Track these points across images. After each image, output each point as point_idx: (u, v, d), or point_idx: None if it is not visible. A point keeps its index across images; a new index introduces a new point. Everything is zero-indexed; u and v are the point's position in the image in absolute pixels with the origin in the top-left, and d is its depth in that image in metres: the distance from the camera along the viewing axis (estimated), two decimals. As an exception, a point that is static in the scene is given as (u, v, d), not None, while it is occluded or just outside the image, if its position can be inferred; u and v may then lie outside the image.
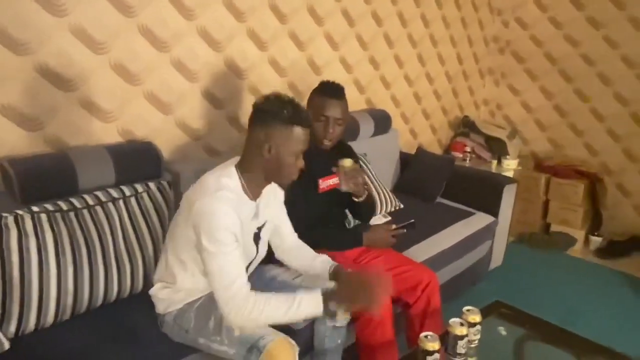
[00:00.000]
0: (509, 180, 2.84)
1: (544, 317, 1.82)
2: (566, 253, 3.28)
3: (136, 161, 1.83)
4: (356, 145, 2.52)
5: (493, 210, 2.75)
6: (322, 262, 1.63)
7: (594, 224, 3.44)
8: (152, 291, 1.58)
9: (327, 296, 1.38)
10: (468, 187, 2.87)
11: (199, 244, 1.34)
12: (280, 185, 1.59)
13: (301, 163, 1.46)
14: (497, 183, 2.80)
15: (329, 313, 1.40)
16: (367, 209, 2.06)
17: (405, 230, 2.03)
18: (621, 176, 3.45)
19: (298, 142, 1.41)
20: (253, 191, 1.48)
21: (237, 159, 1.49)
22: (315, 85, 1.93)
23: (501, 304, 1.88)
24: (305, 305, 1.35)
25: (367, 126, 2.78)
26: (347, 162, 1.87)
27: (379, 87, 3.12)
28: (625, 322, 2.51)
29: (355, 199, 1.94)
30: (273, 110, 1.39)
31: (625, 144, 3.40)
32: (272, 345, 1.32)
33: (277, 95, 1.43)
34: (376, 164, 2.80)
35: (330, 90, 1.87)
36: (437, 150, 3.74)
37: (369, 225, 2.15)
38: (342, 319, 1.62)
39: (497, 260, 2.92)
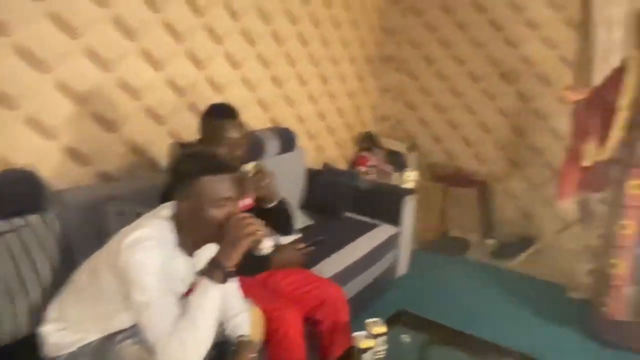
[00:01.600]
0: (409, 192, 2.98)
1: (447, 320, 1.90)
2: (464, 256, 3.50)
3: (13, 192, 1.65)
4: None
5: (396, 221, 2.87)
6: (234, 327, 1.51)
7: (488, 227, 3.71)
8: (41, 332, 1.43)
9: (213, 265, 1.29)
10: (371, 200, 2.96)
11: (128, 296, 1.25)
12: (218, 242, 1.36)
13: (227, 210, 1.32)
14: (397, 195, 2.93)
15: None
16: (284, 214, 1.95)
17: (314, 248, 2.04)
18: (506, 182, 3.77)
19: (212, 192, 1.28)
20: (189, 247, 1.37)
21: (171, 208, 1.36)
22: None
23: (404, 312, 1.95)
24: (206, 294, 1.27)
25: (272, 144, 2.77)
26: (250, 166, 1.81)
27: (283, 106, 3.14)
28: (521, 319, 2.70)
29: (268, 206, 1.84)
30: (178, 170, 1.33)
31: (509, 152, 3.73)
32: None
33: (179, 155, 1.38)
34: (283, 182, 2.79)
35: (223, 112, 1.81)
36: (343, 165, 3.83)
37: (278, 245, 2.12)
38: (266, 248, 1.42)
39: (402, 268, 3.04)
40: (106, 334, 1.39)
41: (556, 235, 3.13)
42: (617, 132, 2.16)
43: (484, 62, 3.69)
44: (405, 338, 1.78)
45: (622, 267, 2.21)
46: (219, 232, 1.31)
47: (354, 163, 3.83)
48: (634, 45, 2.11)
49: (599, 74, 3.15)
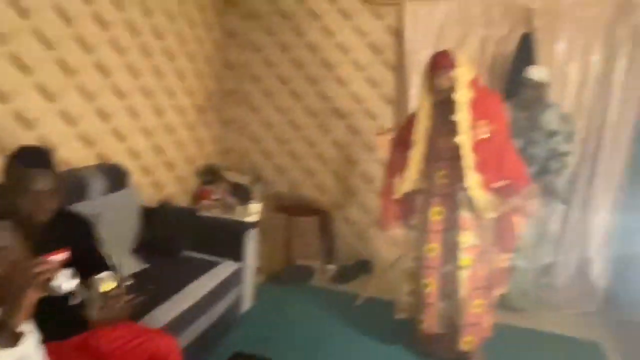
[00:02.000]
0: (250, 225, 2.98)
1: (292, 351, 1.90)
2: (309, 284, 3.60)
3: None
4: (86, 207, 2.29)
5: (238, 256, 2.84)
6: None
7: (329, 253, 3.89)
8: None
9: None
10: (212, 236, 2.89)
11: None
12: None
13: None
14: (240, 229, 2.90)
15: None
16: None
17: (143, 298, 1.89)
18: (345, 210, 4.01)
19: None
20: None
21: None
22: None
23: (240, 355, 1.91)
24: None
25: (98, 184, 2.54)
26: (108, 285, 1.56)
27: (112, 141, 2.91)
28: (359, 341, 2.82)
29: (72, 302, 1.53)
30: None
31: (345, 182, 3.99)
32: None
33: None
34: (113, 224, 2.58)
35: (32, 159, 1.57)
36: (185, 200, 3.68)
37: (97, 296, 1.91)
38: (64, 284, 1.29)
39: (247, 304, 3.00)
40: None
41: (390, 262, 3.40)
42: (414, 166, 2.44)
43: (318, 98, 3.92)
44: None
45: (432, 286, 2.48)
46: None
47: (197, 197, 3.72)
48: (425, 88, 2.41)
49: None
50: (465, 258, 2.37)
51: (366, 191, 3.93)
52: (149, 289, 1.89)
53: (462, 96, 2.24)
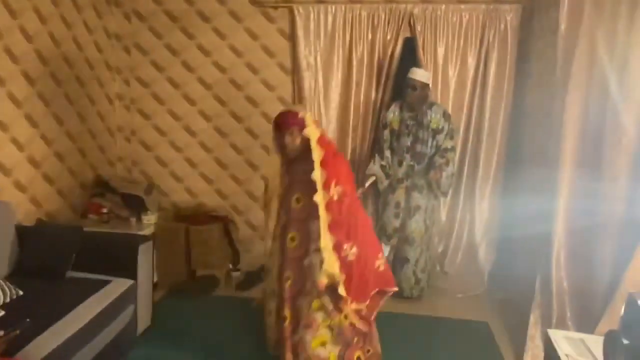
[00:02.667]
0: (144, 239, 2.80)
1: None
2: (214, 294, 3.49)
3: None
4: None
5: (131, 273, 2.65)
6: None
7: (234, 260, 3.79)
8: None
9: None
10: (102, 253, 2.68)
11: None
12: None
13: None
14: (130, 244, 2.72)
15: None
16: None
17: (18, 332, 1.70)
18: (248, 214, 3.95)
19: None
20: None
21: None
22: None
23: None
24: None
25: (-43, 205, 2.23)
26: None
27: (-25, 155, 2.59)
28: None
29: None
30: None
31: (247, 186, 3.93)
32: None
33: None
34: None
35: None
36: (70, 216, 3.38)
37: None
38: None
39: (145, 322, 2.82)
40: None
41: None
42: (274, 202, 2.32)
43: (214, 102, 3.82)
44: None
45: (289, 317, 2.19)
46: None
47: (85, 211, 3.43)
48: (276, 147, 2.27)
49: (311, 114, 3.63)
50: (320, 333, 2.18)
51: (268, 194, 3.90)
52: (23, 323, 1.71)
53: (315, 155, 2.10)
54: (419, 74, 3.15)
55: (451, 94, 3.55)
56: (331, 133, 3.70)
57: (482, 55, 3.47)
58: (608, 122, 2.26)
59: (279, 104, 3.75)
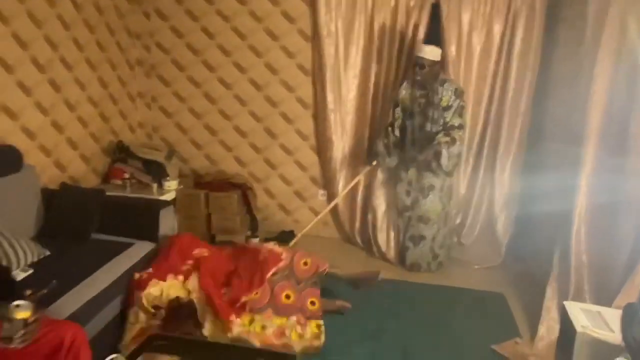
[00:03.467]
0: (165, 204, 2.87)
1: None
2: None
3: None
4: None
5: (153, 236, 2.72)
6: None
7: (252, 227, 3.85)
8: None
9: None
10: (124, 217, 2.74)
11: None
12: None
13: None
14: (152, 208, 2.78)
15: None
16: None
17: (45, 291, 1.78)
18: (266, 182, 3.98)
19: None
20: None
21: None
22: None
23: (156, 336, 1.86)
24: None
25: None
26: (26, 313, 1.53)
27: (2, 120, 2.63)
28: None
29: None
30: None
31: (265, 154, 3.94)
32: None
33: None
34: (7, 210, 2.37)
35: None
36: (93, 180, 3.45)
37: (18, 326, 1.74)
38: None
39: (166, 284, 2.90)
40: None
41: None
42: None
43: (233, 69, 3.80)
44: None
45: None
46: None
47: (108, 176, 3.50)
48: None
49: (331, 82, 3.59)
50: None
51: (286, 163, 3.92)
52: (50, 284, 1.78)
53: None
54: (427, 52, 3.05)
55: (475, 64, 3.46)
56: (350, 102, 3.66)
57: (509, 23, 3.35)
58: (636, 96, 2.18)
59: (299, 72, 3.72)
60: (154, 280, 2.37)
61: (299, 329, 2.43)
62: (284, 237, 3.81)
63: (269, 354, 1.89)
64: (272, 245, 2.71)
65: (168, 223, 2.86)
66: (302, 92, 3.75)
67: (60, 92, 3.05)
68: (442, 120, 3.14)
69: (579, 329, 1.92)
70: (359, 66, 3.60)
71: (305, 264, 2.62)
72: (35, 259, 2.31)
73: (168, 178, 3.53)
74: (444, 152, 3.11)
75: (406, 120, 3.26)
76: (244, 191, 3.79)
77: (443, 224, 3.36)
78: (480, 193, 3.64)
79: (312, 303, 2.54)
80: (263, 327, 2.36)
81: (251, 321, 2.36)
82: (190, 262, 2.51)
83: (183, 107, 3.96)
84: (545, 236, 3.07)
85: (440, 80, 3.13)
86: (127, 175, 3.44)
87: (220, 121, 3.93)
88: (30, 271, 2.19)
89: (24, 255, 2.24)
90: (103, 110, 3.51)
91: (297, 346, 2.38)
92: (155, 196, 3.25)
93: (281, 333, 2.39)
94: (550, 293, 2.56)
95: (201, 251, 2.60)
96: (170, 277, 2.41)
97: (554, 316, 2.51)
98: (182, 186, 3.63)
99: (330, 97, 3.61)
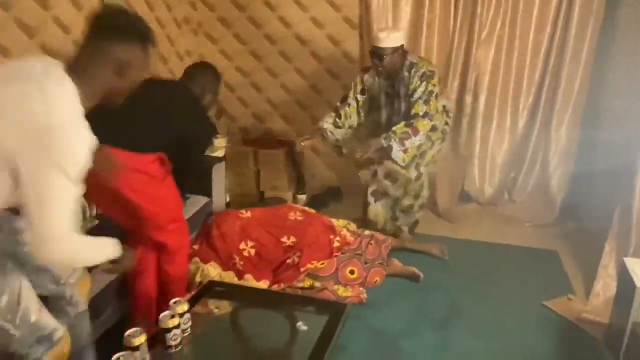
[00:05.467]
0: (216, 160, 2.94)
1: None
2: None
3: None
4: None
5: (206, 191, 2.83)
6: None
7: (298, 184, 3.90)
8: None
9: None
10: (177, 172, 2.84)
11: (34, 165, 1.11)
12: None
13: None
14: (205, 164, 2.86)
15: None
16: None
17: None
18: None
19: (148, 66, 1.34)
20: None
21: (60, 63, 1.21)
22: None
23: (214, 282, 1.95)
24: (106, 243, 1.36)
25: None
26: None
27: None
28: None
29: None
30: (131, 26, 1.28)
31: (311, 112, 3.93)
32: (63, 339, 1.36)
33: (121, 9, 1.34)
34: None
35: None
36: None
37: None
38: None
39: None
40: None
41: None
42: None
43: (279, 25, 3.75)
44: (214, 309, 1.79)
45: None
46: (118, 97, 1.34)
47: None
48: None
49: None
50: None
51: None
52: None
53: None
54: (384, 41, 2.65)
55: (535, 11, 3.26)
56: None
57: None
58: None
59: (345, 26, 3.63)
60: (195, 259, 2.41)
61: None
62: (331, 193, 3.86)
63: (320, 302, 1.95)
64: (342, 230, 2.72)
65: (220, 178, 2.94)
66: (348, 45, 3.68)
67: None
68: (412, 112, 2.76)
69: (638, 284, 1.88)
70: (408, 16, 3.47)
71: (370, 244, 2.68)
72: (94, 213, 2.45)
73: (218, 135, 3.59)
74: (394, 145, 2.68)
75: (373, 111, 2.95)
76: (291, 148, 3.83)
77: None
78: (534, 148, 3.50)
79: (376, 281, 2.61)
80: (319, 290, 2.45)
81: (311, 286, 2.44)
82: (237, 258, 2.46)
83: (230, 65, 3.98)
84: (604, 193, 2.95)
85: (408, 66, 2.75)
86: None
87: (267, 79, 3.93)
88: (96, 222, 2.34)
89: (89, 209, 2.39)
90: (152, 69, 3.58)
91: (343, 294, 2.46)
92: (206, 152, 3.33)
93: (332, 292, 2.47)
94: (609, 250, 2.48)
95: (247, 245, 2.51)
96: (212, 264, 2.40)
97: (612, 273, 2.44)
98: (230, 144, 3.70)
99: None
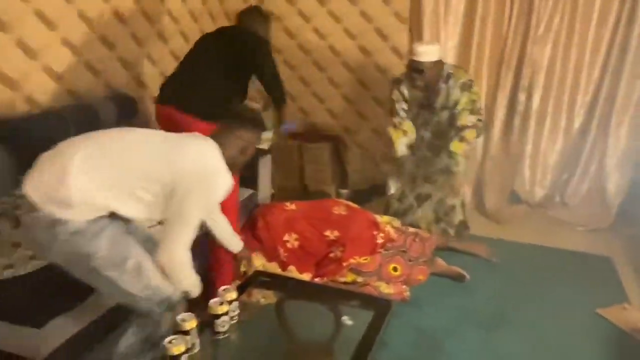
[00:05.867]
0: (263, 152, 2.99)
1: None
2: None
3: None
4: None
5: (252, 183, 2.88)
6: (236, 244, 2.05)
7: (342, 179, 3.91)
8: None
9: None
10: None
11: (188, 187, 1.48)
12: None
13: None
14: (253, 156, 2.91)
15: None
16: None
17: None
18: (357, 135, 3.98)
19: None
20: None
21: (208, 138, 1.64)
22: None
23: (261, 272, 1.99)
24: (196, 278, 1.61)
25: (108, 114, 2.52)
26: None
27: (118, 68, 2.86)
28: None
29: None
30: (254, 119, 1.85)
31: (357, 106, 3.92)
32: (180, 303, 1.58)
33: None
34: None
35: None
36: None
37: None
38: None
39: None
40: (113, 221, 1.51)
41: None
42: None
43: (328, 18, 3.75)
44: (260, 299, 1.83)
45: None
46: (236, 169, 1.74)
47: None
48: None
49: (429, 28, 3.43)
50: None
51: (378, 115, 3.87)
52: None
53: None
54: (423, 54, 2.62)
55: (592, 30, 3.14)
56: (451, 50, 3.48)
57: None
58: None
59: (394, 19, 3.59)
60: None
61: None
62: (375, 191, 3.84)
63: (365, 297, 1.95)
64: (387, 227, 2.70)
65: (266, 171, 2.99)
66: (397, 40, 3.64)
67: (167, 44, 3.24)
68: (454, 124, 2.78)
69: None
70: (461, 10, 3.39)
71: (414, 241, 2.66)
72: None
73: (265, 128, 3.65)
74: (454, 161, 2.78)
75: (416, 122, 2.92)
76: (336, 143, 3.84)
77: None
78: (590, 149, 3.36)
79: (419, 279, 2.59)
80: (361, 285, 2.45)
81: (353, 281, 2.45)
82: (282, 250, 2.49)
83: (278, 58, 4.00)
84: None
85: (445, 77, 2.72)
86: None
87: (314, 73, 3.95)
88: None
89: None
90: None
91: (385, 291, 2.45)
92: (252, 145, 3.40)
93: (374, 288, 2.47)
94: (670, 259, 2.36)
95: (291, 237, 2.54)
96: (257, 254, 2.42)
97: (672, 283, 2.31)
98: (276, 137, 3.74)
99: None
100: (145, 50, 3.05)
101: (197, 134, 1.66)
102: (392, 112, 2.96)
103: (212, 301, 1.60)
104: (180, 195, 1.47)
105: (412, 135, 2.93)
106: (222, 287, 1.64)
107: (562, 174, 3.49)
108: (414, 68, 2.68)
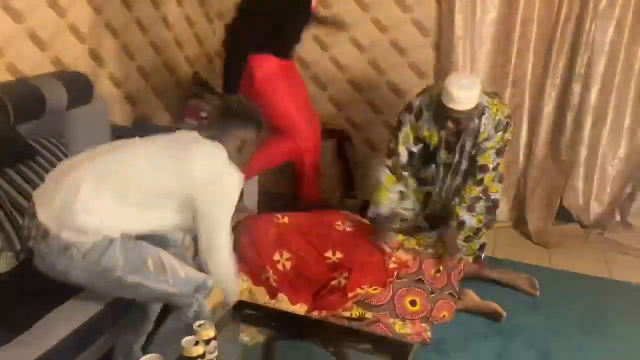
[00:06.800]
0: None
1: None
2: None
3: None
4: (45, 124, 2.42)
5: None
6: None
7: (348, 185, 3.90)
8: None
9: None
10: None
11: (207, 199, 1.82)
12: None
13: None
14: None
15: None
16: None
17: None
18: (367, 130, 3.98)
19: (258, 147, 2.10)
20: None
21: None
22: None
23: (244, 304, 1.99)
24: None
25: (57, 97, 2.52)
26: None
27: (71, 41, 2.85)
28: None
29: None
30: (251, 115, 2.02)
31: (368, 95, 3.92)
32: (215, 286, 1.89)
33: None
34: (80, 147, 2.60)
35: None
36: (167, 118, 3.67)
37: None
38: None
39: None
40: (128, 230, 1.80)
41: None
42: None
43: None
44: (244, 337, 1.82)
45: None
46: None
47: (182, 115, 3.69)
48: None
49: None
50: None
51: (396, 108, 3.87)
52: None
53: None
54: (462, 102, 2.49)
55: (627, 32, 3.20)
56: (487, 28, 3.50)
57: None
58: None
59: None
60: None
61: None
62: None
63: (377, 338, 1.95)
64: (398, 253, 2.68)
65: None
66: (422, 12, 3.65)
67: (132, 11, 3.24)
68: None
69: None
70: (497, 9, 3.42)
71: (438, 272, 2.65)
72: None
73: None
74: (466, 218, 2.76)
75: (425, 168, 2.90)
76: (341, 140, 3.83)
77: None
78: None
79: (444, 316, 2.57)
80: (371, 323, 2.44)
81: (361, 317, 2.43)
82: (271, 272, 2.50)
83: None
84: None
85: (479, 112, 2.62)
86: (204, 115, 3.60)
87: (316, 51, 3.94)
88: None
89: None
90: (177, 34, 3.66)
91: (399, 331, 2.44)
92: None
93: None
94: None
95: (282, 257, 2.55)
96: (242, 276, 2.40)
97: None
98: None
99: (459, 20, 3.47)
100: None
101: (194, 135, 1.94)
102: (390, 152, 2.90)
103: (185, 340, 1.58)
104: (203, 210, 1.82)
105: (409, 196, 2.91)
106: (198, 323, 1.63)
107: (625, 187, 3.51)
108: (448, 116, 2.57)
